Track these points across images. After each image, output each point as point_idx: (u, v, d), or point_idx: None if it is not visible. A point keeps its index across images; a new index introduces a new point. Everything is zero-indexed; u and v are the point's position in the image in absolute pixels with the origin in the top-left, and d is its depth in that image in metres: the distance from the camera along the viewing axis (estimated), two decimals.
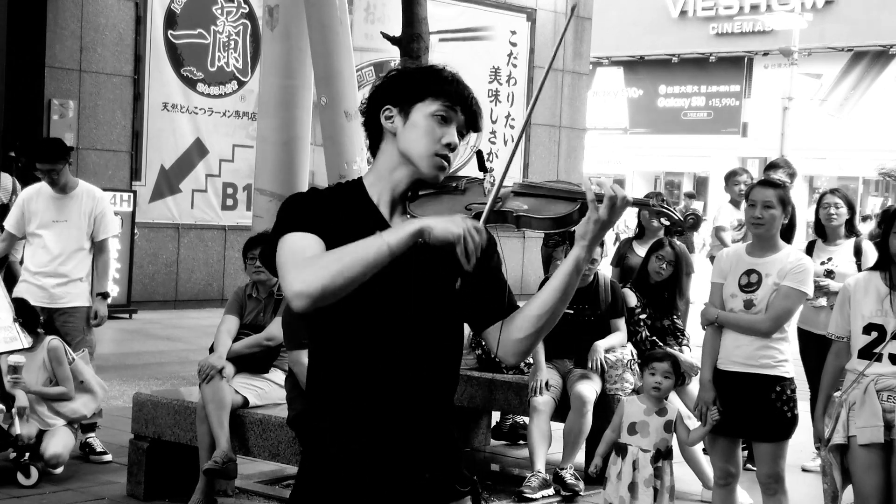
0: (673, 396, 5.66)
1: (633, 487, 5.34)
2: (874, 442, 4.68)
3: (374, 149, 2.70)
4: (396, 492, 2.57)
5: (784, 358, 5.10)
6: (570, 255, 2.54)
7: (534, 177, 18.75)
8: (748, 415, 5.10)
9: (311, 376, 2.66)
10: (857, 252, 6.95)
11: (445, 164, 2.60)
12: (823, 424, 4.92)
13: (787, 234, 5.24)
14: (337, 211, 2.58)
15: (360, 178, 2.68)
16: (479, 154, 2.68)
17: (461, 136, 2.64)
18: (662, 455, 5.38)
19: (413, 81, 2.63)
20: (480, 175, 2.66)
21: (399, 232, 2.40)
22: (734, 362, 5.13)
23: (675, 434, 5.46)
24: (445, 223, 2.39)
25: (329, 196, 2.63)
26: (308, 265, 2.41)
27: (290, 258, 2.47)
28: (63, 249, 6.99)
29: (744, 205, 9.24)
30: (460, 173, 2.74)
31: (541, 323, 2.58)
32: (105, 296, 7.13)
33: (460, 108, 2.61)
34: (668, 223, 2.61)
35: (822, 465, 5.00)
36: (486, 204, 2.50)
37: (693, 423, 5.53)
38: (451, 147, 2.59)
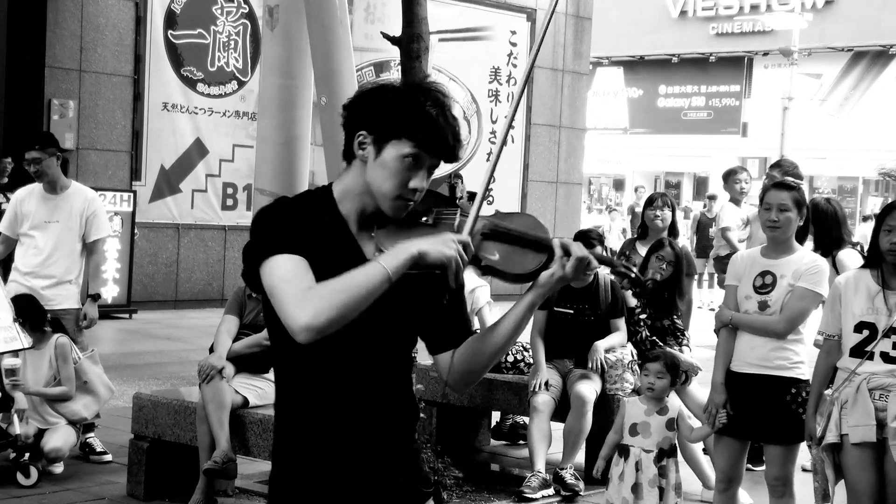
0: (673, 395, 5.66)
1: (636, 488, 5.34)
2: (866, 441, 4.68)
3: (346, 159, 2.65)
4: (377, 493, 2.61)
5: (799, 360, 5.07)
6: (524, 299, 2.58)
7: (533, 177, 18.75)
8: (761, 417, 5.07)
9: (295, 382, 2.62)
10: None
11: (408, 205, 2.57)
12: (815, 423, 4.91)
13: (801, 235, 5.23)
14: (309, 224, 2.53)
15: (330, 187, 2.64)
16: (451, 188, 2.68)
17: (432, 170, 2.60)
18: (666, 453, 5.39)
19: (393, 114, 2.53)
20: (451, 209, 2.63)
21: (396, 258, 2.41)
22: (749, 364, 5.10)
23: (677, 431, 5.47)
24: (439, 246, 2.41)
25: (300, 207, 2.57)
26: (311, 297, 2.39)
27: (287, 288, 2.42)
28: (53, 250, 6.96)
29: (744, 203, 9.28)
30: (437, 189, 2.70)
31: (494, 360, 2.66)
32: (95, 298, 7.09)
33: (435, 150, 2.54)
34: (630, 286, 2.69)
35: (813, 462, 4.99)
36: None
37: (694, 422, 5.53)
38: (417, 191, 2.55)
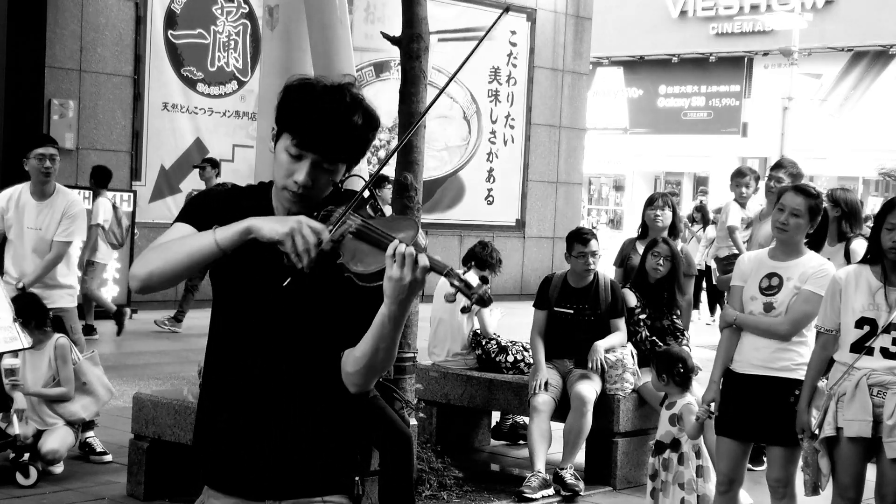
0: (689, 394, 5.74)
1: (654, 477, 5.59)
2: (861, 436, 4.69)
3: None
4: (275, 473, 2.67)
5: (803, 361, 5.05)
6: (380, 311, 2.46)
7: (533, 177, 18.75)
8: (764, 418, 5.07)
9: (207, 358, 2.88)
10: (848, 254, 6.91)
11: (295, 199, 2.58)
12: (809, 416, 4.91)
13: (816, 242, 5.23)
14: (241, 211, 2.58)
15: (273, 182, 2.68)
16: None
17: (325, 169, 2.58)
18: (668, 447, 5.46)
19: (283, 109, 2.59)
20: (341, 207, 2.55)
21: (229, 229, 2.51)
22: (752, 365, 5.10)
23: (680, 427, 5.56)
24: (273, 223, 2.47)
25: (241, 196, 2.71)
26: (148, 251, 2.59)
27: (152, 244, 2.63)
28: (36, 257, 6.93)
29: (750, 204, 9.27)
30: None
31: (363, 363, 2.55)
32: (22, 290, 6.81)
33: (309, 145, 2.54)
34: (461, 294, 2.39)
35: (804, 455, 4.98)
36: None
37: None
38: (300, 185, 2.55)
